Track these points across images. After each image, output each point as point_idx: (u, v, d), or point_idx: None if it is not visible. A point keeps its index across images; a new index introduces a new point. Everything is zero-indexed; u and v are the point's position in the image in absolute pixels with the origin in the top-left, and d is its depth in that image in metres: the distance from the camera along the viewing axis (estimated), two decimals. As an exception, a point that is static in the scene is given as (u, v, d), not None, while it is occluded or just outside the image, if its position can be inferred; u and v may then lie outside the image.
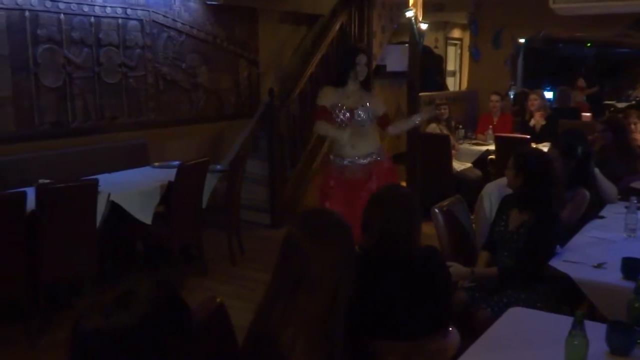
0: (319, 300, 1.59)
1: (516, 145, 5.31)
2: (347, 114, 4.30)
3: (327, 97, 4.37)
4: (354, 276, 1.66)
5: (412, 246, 2.12)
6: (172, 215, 4.62)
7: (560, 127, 6.60)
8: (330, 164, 4.51)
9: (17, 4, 4.91)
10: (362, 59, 4.30)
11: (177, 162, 4.90)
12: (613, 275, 2.74)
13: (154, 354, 1.08)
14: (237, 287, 4.58)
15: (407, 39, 6.91)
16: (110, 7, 5.63)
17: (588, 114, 8.47)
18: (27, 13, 4.99)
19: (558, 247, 3.08)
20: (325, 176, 4.59)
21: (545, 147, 4.92)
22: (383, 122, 4.51)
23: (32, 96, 5.10)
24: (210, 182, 5.03)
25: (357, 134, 4.31)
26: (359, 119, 4.32)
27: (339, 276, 1.62)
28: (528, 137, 6.38)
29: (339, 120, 4.31)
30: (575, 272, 2.79)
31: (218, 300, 1.89)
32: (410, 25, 6.43)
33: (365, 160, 4.38)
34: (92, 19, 5.50)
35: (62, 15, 5.25)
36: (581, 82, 10.31)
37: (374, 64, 8.00)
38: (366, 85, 4.42)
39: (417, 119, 4.66)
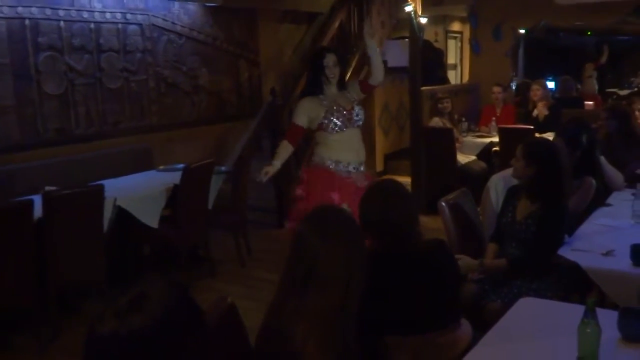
0: (330, 297, 1.59)
1: (520, 136, 5.30)
2: (346, 115, 3.92)
3: (306, 111, 3.94)
4: (365, 272, 1.66)
5: (414, 236, 2.10)
6: (178, 218, 4.63)
7: (563, 116, 6.58)
8: (325, 172, 3.93)
9: (17, 13, 4.93)
10: (329, 59, 3.89)
11: (181, 165, 4.91)
12: (622, 263, 2.74)
13: (168, 356, 1.08)
14: (245, 288, 4.59)
15: (407, 34, 6.90)
16: (110, 12, 5.65)
17: (591, 102, 8.44)
18: (27, 21, 5.00)
19: (566, 236, 3.08)
20: (322, 191, 3.87)
21: (549, 137, 4.91)
22: (364, 85, 4.07)
23: (35, 104, 5.12)
24: (216, 183, 5.04)
25: (357, 138, 4.01)
26: (357, 118, 3.97)
27: (349, 272, 1.62)
28: (532, 127, 6.37)
29: (337, 128, 3.89)
30: (585, 261, 2.78)
31: (229, 300, 1.89)
32: (409, 20, 6.42)
33: (363, 169, 4.04)
34: (92, 25, 5.51)
35: (62, 23, 5.26)
36: (589, 66, 10.21)
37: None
38: (342, 85, 4.02)
39: (367, 37, 4.01)
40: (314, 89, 3.97)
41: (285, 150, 4.03)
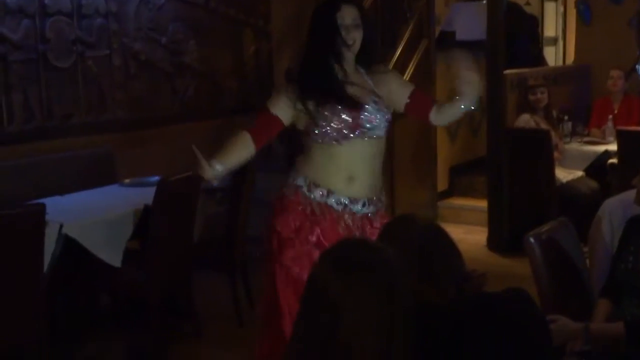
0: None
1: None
2: (349, 120, 3.38)
3: (293, 95, 3.46)
4: (411, 334, 1.65)
5: (446, 284, 2.09)
6: (149, 254, 4.67)
7: None
8: (297, 197, 3.50)
9: None
10: (346, 14, 3.38)
11: (155, 178, 4.95)
12: None
13: None
14: (241, 356, 4.57)
15: (484, -6, 6.92)
16: (60, -40, 5.75)
17: None
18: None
19: None
20: (278, 220, 3.52)
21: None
22: (420, 105, 3.58)
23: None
24: (204, 205, 5.08)
25: (361, 157, 3.46)
26: (369, 125, 3.41)
27: (388, 335, 1.62)
28: (666, 130, 6.33)
29: (333, 134, 3.39)
30: None
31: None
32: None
33: (362, 209, 3.49)
34: (35, -21, 5.62)
35: (-8, -25, 5.38)
36: None
37: (437, 29, 8.00)
38: (368, 61, 3.55)
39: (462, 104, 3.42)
40: (315, 64, 3.47)
41: (239, 145, 3.50)
